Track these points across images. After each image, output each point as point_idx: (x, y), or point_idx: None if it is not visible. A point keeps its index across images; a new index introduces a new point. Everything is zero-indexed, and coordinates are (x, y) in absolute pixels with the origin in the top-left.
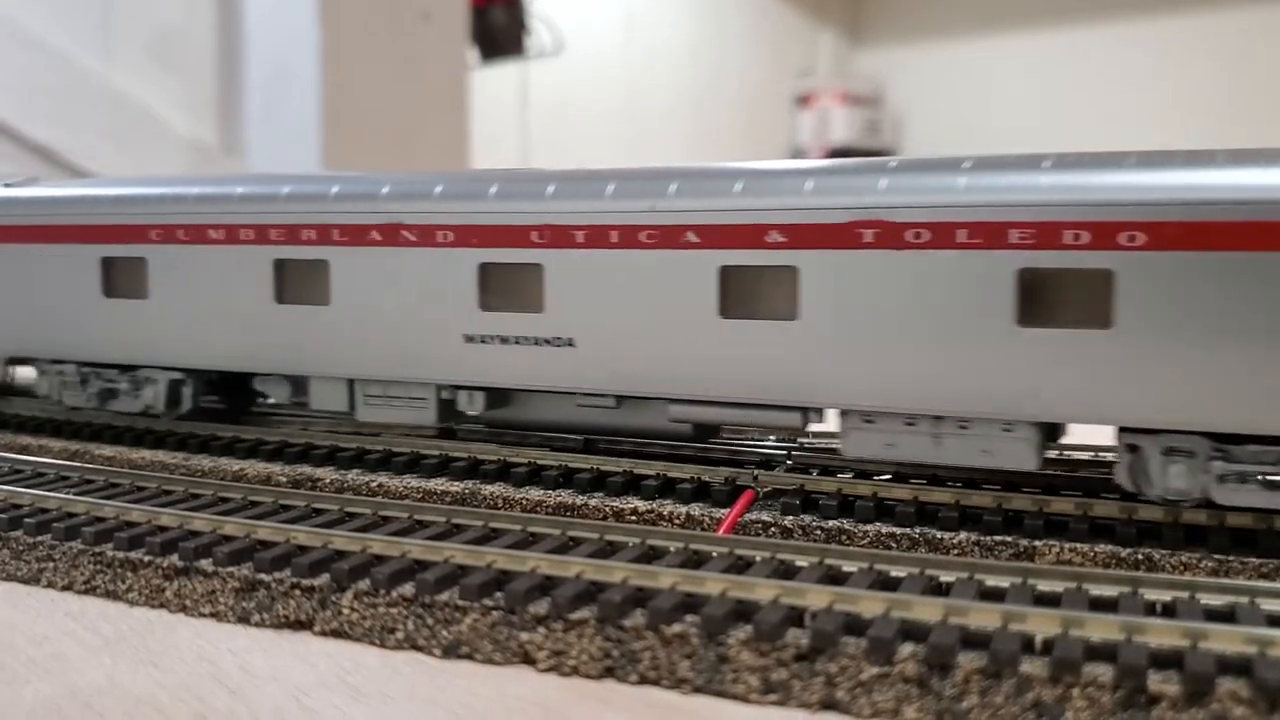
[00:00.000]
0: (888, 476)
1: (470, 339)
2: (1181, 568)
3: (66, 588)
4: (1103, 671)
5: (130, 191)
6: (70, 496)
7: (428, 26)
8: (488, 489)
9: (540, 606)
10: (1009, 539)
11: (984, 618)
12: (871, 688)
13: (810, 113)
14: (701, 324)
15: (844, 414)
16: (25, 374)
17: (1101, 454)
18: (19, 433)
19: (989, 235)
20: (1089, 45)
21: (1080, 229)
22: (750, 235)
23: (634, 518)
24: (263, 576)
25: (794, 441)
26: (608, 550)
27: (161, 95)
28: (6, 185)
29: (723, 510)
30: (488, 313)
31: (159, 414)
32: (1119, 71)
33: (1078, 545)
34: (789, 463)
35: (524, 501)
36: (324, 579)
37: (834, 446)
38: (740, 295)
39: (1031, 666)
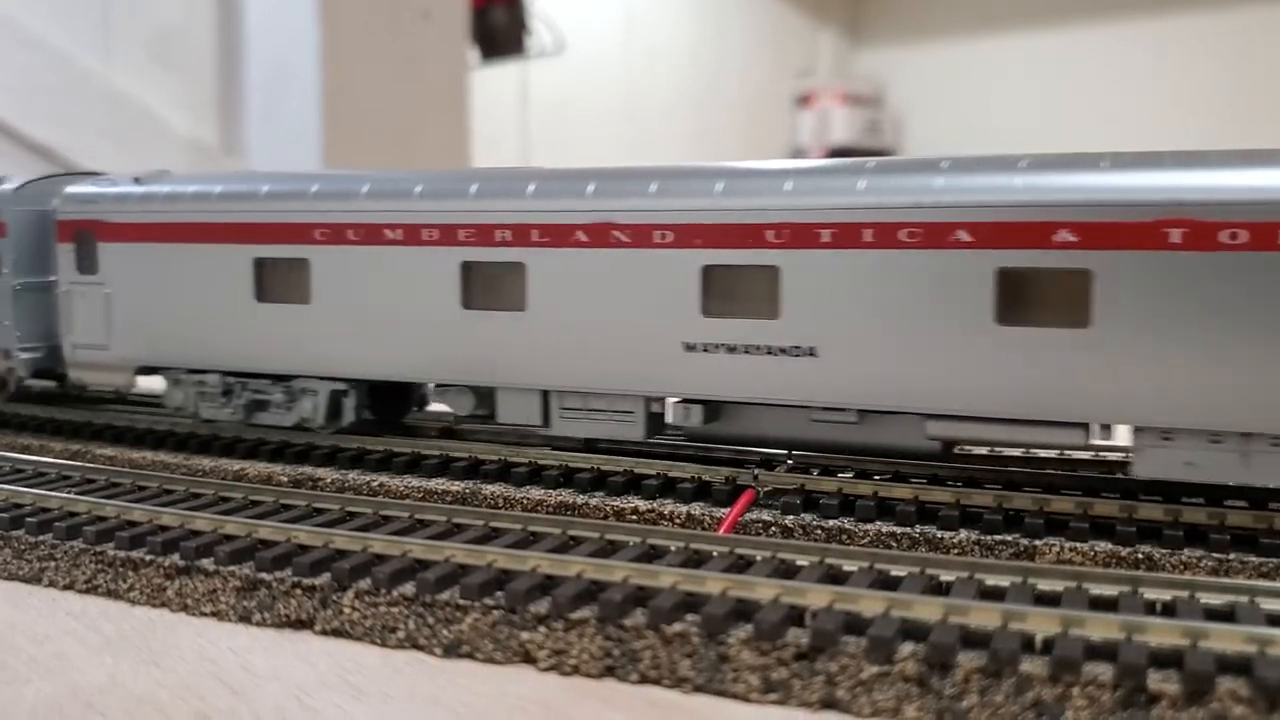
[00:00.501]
0: (888, 476)
1: (690, 347)
2: (1181, 567)
3: (68, 587)
4: (1103, 671)
5: (290, 187)
6: (72, 496)
7: (428, 26)
8: (488, 488)
9: (541, 606)
10: (1009, 538)
11: (984, 617)
12: (872, 687)
13: (811, 113)
14: (973, 331)
15: (1138, 431)
16: (149, 384)
17: (1101, 453)
18: (20, 432)
19: None
20: (1089, 45)
21: None
22: (1037, 234)
23: (635, 517)
24: (264, 576)
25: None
26: (608, 550)
27: (162, 95)
28: (137, 180)
29: (723, 510)
30: (711, 319)
31: (317, 428)
32: (1119, 71)
33: (1078, 544)
34: (789, 462)
35: (524, 501)
36: (325, 578)
37: None
38: (1021, 300)
39: (1031, 665)
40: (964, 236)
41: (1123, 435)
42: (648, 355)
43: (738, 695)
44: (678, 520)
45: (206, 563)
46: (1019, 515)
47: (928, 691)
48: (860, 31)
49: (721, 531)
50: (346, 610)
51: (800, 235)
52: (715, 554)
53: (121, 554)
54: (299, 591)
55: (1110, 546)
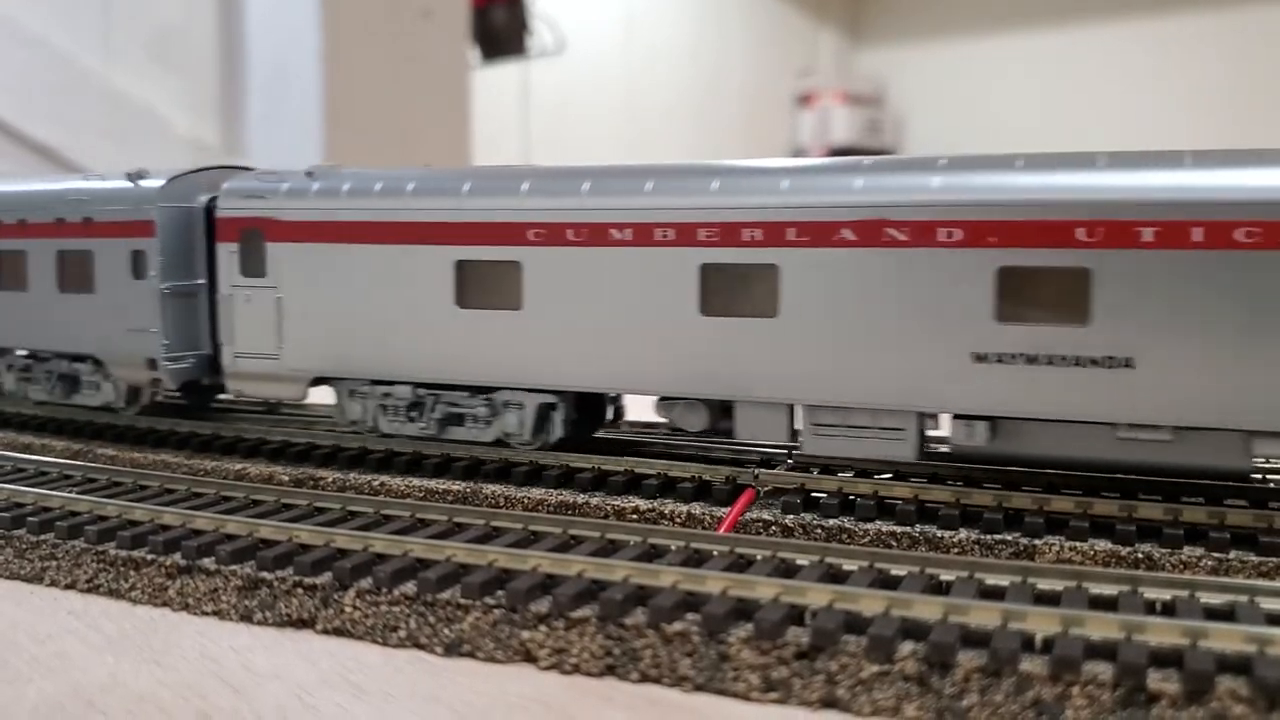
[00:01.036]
0: (888, 476)
1: (981, 358)
2: (1181, 566)
3: (69, 586)
4: (1102, 670)
5: (499, 183)
6: (73, 495)
7: (429, 26)
8: (489, 488)
9: (542, 605)
10: (1009, 537)
11: (984, 616)
12: (872, 686)
13: (811, 112)
14: None
15: None
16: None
17: None
18: (22, 431)
19: None
20: (1090, 45)
21: None
22: None
23: (635, 516)
24: (265, 575)
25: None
26: (609, 549)
27: (162, 94)
28: (310, 173)
29: (724, 509)
30: (1007, 326)
31: (522, 443)
32: (1119, 71)
33: (1077, 544)
34: (790, 461)
35: (525, 500)
36: (326, 577)
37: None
38: None
39: (1031, 665)
40: None
41: None
42: (927, 366)
43: (738, 694)
44: (678, 519)
45: (208, 562)
46: (1019, 514)
47: (928, 690)
48: (861, 31)
49: (722, 531)
50: (348, 609)
51: (1117, 233)
52: (715, 553)
53: (123, 553)
54: (300, 590)
55: (1110, 546)
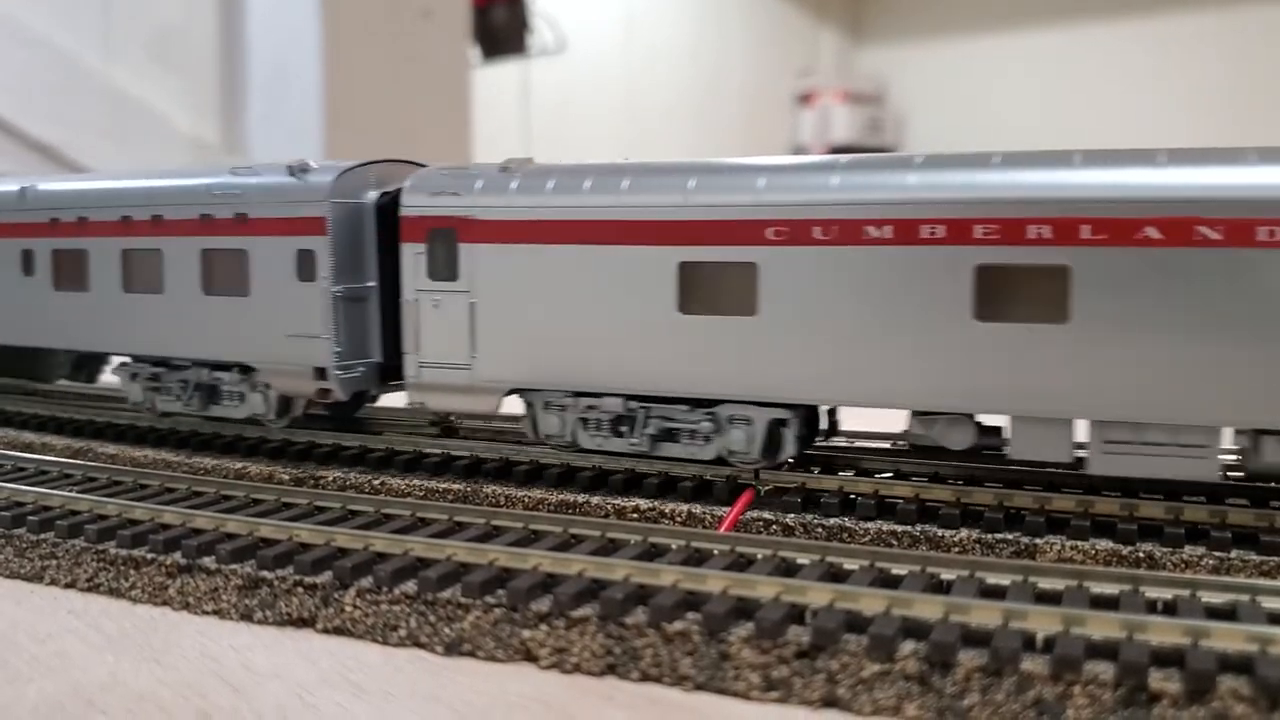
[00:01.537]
0: (889, 475)
1: None
2: (1183, 565)
3: (70, 585)
4: (1104, 669)
5: (728, 179)
6: (73, 494)
7: (429, 25)
8: (490, 487)
9: (542, 604)
10: (1010, 536)
11: (985, 615)
12: (873, 685)
13: (812, 111)
14: None
15: None
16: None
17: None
18: (22, 430)
19: None
20: (1090, 43)
21: None
22: None
23: (636, 515)
24: (265, 574)
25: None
26: (609, 548)
27: (162, 94)
28: (505, 169)
29: (724, 508)
30: None
31: (746, 464)
32: (1120, 70)
33: (1079, 543)
34: (790, 461)
35: (526, 499)
36: (326, 577)
37: (835, 444)
38: None
39: (1033, 664)
40: None
41: None
42: (1253, 377)
43: (739, 693)
44: (679, 519)
45: (208, 561)
46: (1020, 513)
47: (929, 690)
48: (861, 30)
49: (722, 530)
50: (348, 608)
51: None
52: (716, 552)
53: (123, 552)
54: (301, 590)
55: (1111, 545)
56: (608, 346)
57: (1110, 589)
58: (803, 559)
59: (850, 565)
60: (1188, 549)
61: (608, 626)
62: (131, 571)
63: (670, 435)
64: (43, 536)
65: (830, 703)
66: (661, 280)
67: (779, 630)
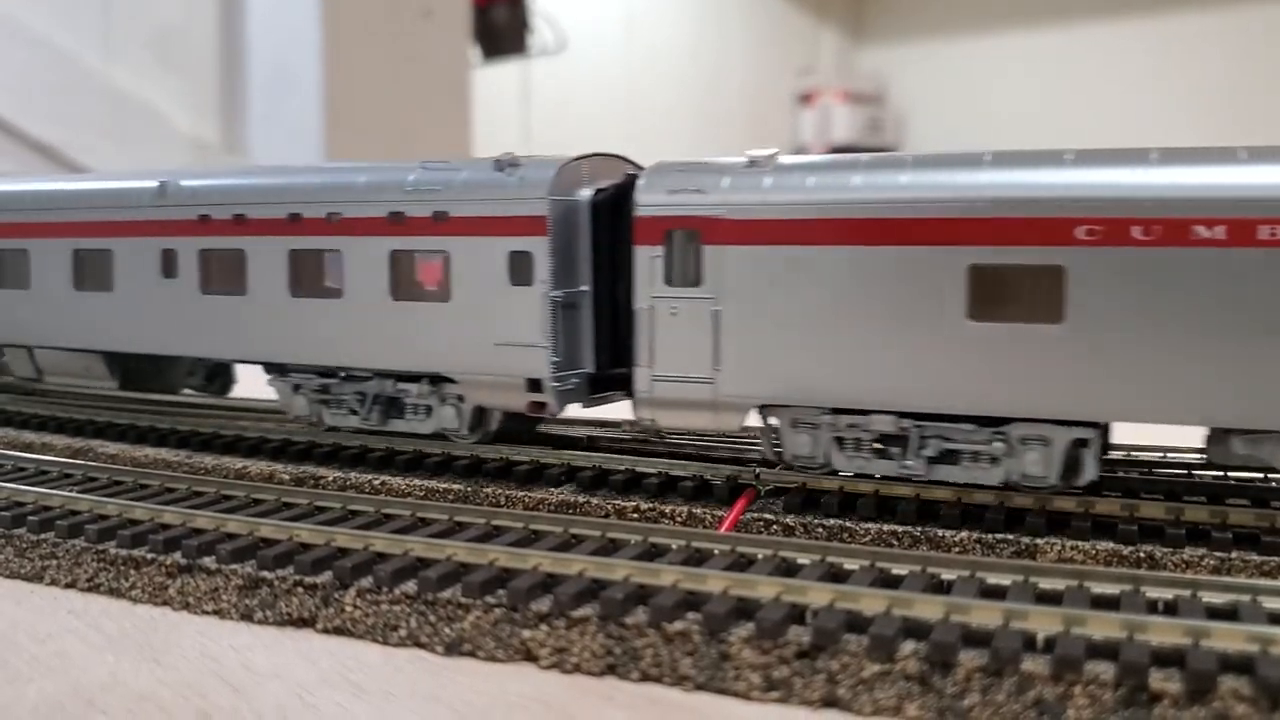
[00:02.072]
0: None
1: None
2: (1183, 565)
3: (70, 585)
4: (1104, 669)
5: (1032, 172)
6: (73, 494)
7: (429, 25)
8: (490, 487)
9: (542, 604)
10: (1010, 537)
11: (985, 615)
12: (873, 685)
13: (812, 111)
14: None
15: None
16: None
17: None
18: (22, 430)
19: None
20: (1090, 43)
21: None
22: None
23: (636, 515)
24: (266, 574)
25: None
26: (610, 548)
27: (163, 94)
28: (753, 163)
29: (724, 508)
30: None
31: (1038, 487)
32: (1120, 70)
33: (1079, 543)
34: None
35: (526, 499)
36: (327, 576)
37: None
38: None
39: (1033, 664)
40: None
41: None
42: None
43: (739, 693)
44: (679, 519)
45: (208, 561)
46: (1020, 514)
47: (929, 690)
48: (862, 30)
49: (723, 530)
50: (348, 608)
51: None
52: (716, 552)
53: (123, 552)
54: (301, 590)
55: (1112, 545)
56: (879, 359)
57: (1111, 589)
58: (803, 559)
59: (851, 565)
60: (1188, 549)
61: (608, 626)
62: (132, 571)
63: (950, 457)
64: (43, 536)
65: (830, 703)
66: (947, 285)
67: (779, 630)
